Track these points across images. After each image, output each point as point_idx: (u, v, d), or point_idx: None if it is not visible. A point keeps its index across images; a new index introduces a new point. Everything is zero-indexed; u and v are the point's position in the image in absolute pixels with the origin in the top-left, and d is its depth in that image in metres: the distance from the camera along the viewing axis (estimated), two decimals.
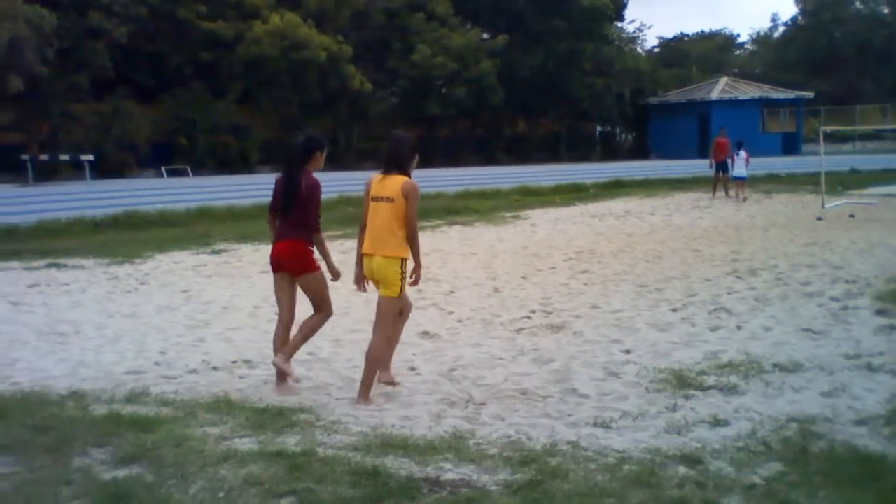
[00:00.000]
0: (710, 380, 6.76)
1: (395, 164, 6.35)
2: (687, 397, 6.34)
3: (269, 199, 7.04)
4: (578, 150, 52.50)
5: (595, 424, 5.78)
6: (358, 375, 6.68)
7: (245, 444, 5.28)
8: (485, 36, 48.91)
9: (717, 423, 5.74)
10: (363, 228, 6.51)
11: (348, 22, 42.34)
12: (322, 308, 7.00)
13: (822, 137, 23.10)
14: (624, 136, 60.10)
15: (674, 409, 6.08)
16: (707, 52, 73.66)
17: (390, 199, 6.24)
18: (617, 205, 23.19)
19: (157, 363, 7.66)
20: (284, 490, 4.50)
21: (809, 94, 53.88)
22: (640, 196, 25.17)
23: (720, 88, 52.10)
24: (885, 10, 71.95)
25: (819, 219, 18.09)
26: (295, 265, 6.82)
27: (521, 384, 6.80)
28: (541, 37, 48.29)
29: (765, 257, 13.07)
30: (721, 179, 24.07)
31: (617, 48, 55.11)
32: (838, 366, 7.04)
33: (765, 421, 5.75)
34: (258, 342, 8.28)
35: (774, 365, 7.12)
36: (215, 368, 7.43)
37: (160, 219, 20.02)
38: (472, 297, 10.78)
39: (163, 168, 35.21)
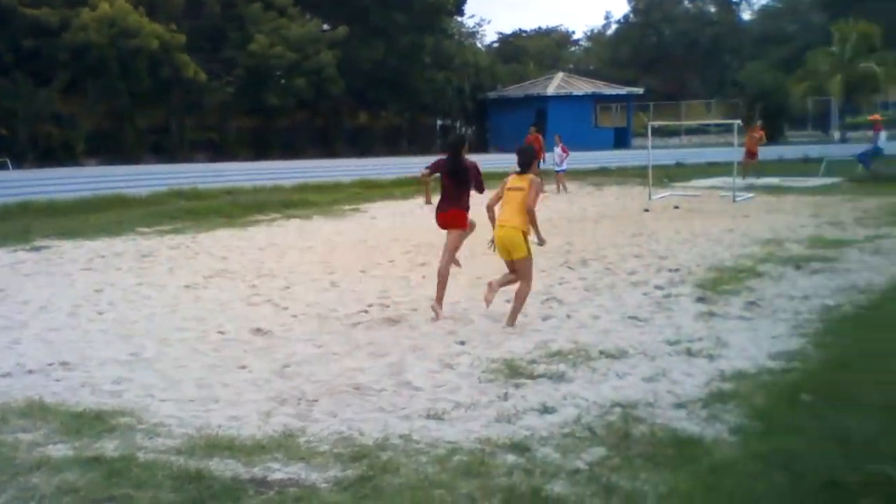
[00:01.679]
0: (540, 368, 6.90)
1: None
2: (518, 386, 6.45)
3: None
4: (419, 143, 52.82)
5: (428, 416, 5.80)
6: (186, 374, 6.80)
7: (59, 450, 5.02)
8: (325, 27, 48.47)
9: (545, 410, 5.86)
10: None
11: (182, 9, 41.07)
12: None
13: (650, 132, 24.03)
14: (464, 129, 60.88)
15: (505, 398, 6.17)
16: (544, 49, 75.62)
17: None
18: None
19: None
20: (101, 497, 4.31)
21: (639, 90, 56.06)
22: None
23: (556, 84, 53.51)
24: (713, 10, 75.63)
25: (646, 210, 18.81)
26: (454, 225, 9.33)
27: (355, 379, 6.74)
28: (382, 29, 48.27)
29: (595, 248, 13.47)
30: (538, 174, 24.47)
31: (457, 42, 55.82)
32: (660, 351, 7.32)
33: (590, 407, 5.91)
34: (77, 343, 7.93)
35: (601, 352, 7.33)
36: (30, 371, 7.01)
37: None
38: (309, 291, 10.63)
39: None
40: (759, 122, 27.61)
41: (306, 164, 36.24)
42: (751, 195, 21.02)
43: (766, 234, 14.29)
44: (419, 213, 19.73)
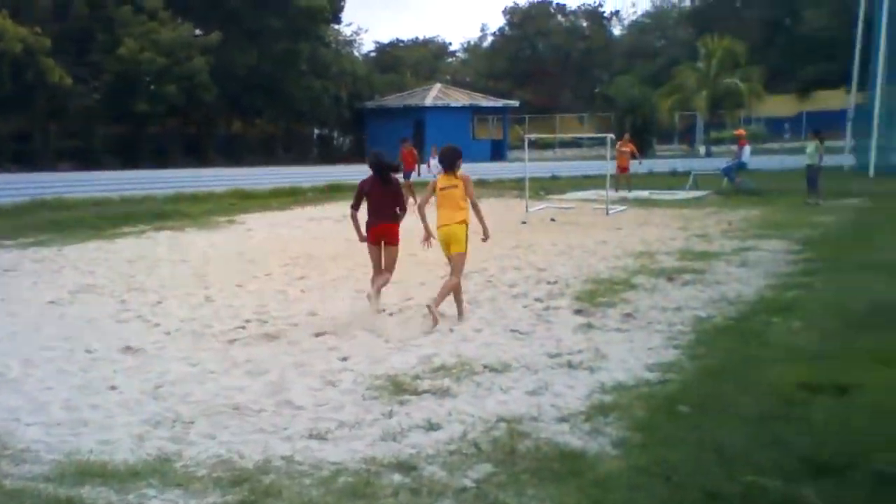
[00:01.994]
0: (425, 384, 6.85)
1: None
2: (402, 403, 6.39)
3: None
4: (295, 152, 52.33)
5: (311, 437, 5.69)
6: (53, 396, 6.54)
7: None
8: (197, 32, 47.52)
9: (430, 427, 5.82)
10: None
11: (48, 12, 39.50)
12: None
13: (526, 144, 24.38)
14: (342, 139, 60.63)
15: (389, 415, 6.10)
16: (421, 59, 76.08)
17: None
18: (335, 209, 23.17)
19: None
20: None
21: (515, 103, 57.01)
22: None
23: (434, 95, 53.89)
24: (585, 24, 77.60)
25: (523, 223, 19.05)
26: (395, 239, 9.89)
27: (233, 398, 6.55)
28: (256, 35, 47.65)
29: (476, 260, 13.45)
30: (406, 186, 23.93)
31: (334, 50, 55.55)
32: (542, 364, 7.38)
33: (476, 422, 5.90)
34: None
35: (484, 366, 7.34)
36: None
37: None
38: (182, 307, 10.30)
39: None
40: (626, 136, 28.36)
41: (178, 173, 35.36)
42: (623, 208, 21.58)
43: (638, 246, 14.65)
44: (297, 224, 19.50)
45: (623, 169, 26.22)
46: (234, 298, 10.82)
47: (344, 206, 23.12)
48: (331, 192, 27.98)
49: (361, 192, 9.82)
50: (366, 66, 61.00)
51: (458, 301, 9.50)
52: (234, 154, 48.53)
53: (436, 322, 8.92)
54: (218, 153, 48.04)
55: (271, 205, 23.90)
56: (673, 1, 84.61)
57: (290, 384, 6.95)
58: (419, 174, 24.66)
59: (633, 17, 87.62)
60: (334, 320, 9.42)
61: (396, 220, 9.84)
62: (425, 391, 6.68)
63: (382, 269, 9.91)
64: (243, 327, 9.16)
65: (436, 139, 48.77)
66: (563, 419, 5.96)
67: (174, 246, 16.12)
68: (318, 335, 8.71)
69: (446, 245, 9.48)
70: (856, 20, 34.77)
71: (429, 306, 9.07)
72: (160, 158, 43.20)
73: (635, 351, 7.79)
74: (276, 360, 7.76)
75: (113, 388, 6.90)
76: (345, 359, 7.79)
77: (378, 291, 9.68)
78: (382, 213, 9.72)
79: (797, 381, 6.23)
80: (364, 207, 9.88)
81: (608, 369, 7.19)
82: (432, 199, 9.68)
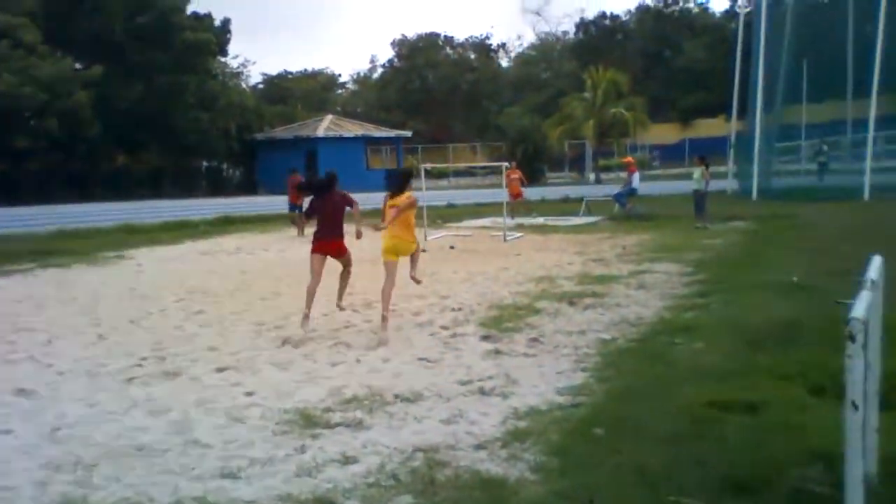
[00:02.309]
0: (337, 416, 6.72)
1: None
2: (315, 437, 6.25)
3: None
4: (184, 185, 51.30)
5: (222, 476, 5.51)
6: None
7: None
8: (78, 66, 46.24)
9: (346, 460, 5.70)
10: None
11: None
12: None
13: (423, 174, 24.43)
14: (231, 171, 59.74)
15: (302, 450, 5.95)
16: (310, 91, 75.87)
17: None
18: (228, 241, 22.76)
19: None
20: None
21: (408, 133, 57.35)
22: (253, 232, 24.96)
23: (325, 126, 53.73)
24: (473, 56, 78.71)
25: (423, 251, 18.96)
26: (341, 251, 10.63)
27: (136, 439, 6.29)
28: (140, 69, 46.72)
29: (377, 290, 13.31)
30: (298, 218, 23.15)
31: (221, 83, 54.82)
32: (454, 392, 7.33)
33: (392, 454, 5.80)
34: None
35: (396, 396, 7.25)
36: None
37: None
38: (74, 346, 9.86)
39: None
40: (513, 164, 28.73)
41: (62, 209, 34.18)
42: (520, 234, 21.79)
43: (538, 271, 14.79)
44: (190, 258, 19.02)
45: (516, 196, 26.49)
46: (128, 336, 10.43)
47: (237, 239, 22.91)
48: (223, 224, 27.46)
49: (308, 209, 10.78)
50: (254, 98, 60.39)
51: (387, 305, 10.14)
52: (121, 188, 47.24)
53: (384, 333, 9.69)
54: (104, 188, 46.68)
55: (161, 239, 23.23)
56: (557, 34, 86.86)
57: (195, 422, 6.72)
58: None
59: (520, 50, 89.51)
60: (236, 355, 9.17)
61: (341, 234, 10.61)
62: (338, 424, 6.54)
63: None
64: (140, 365, 8.82)
65: (329, 169, 48.80)
66: (480, 446, 5.91)
67: (62, 283, 15.47)
68: (219, 370, 8.48)
69: (394, 252, 10.36)
70: (730, 52, 36.26)
71: (383, 316, 9.87)
72: (42, 194, 41.68)
73: (545, 375, 7.82)
74: (178, 397, 7.49)
75: (8, 431, 6.55)
76: (250, 393, 7.58)
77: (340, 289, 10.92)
78: (329, 227, 10.48)
79: (706, 400, 6.32)
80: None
81: (520, 394, 7.19)
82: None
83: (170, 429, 6.57)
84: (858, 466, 3.47)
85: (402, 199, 10.10)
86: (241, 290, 14.02)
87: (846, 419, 3.51)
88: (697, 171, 22.55)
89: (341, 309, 11.01)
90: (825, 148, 30.87)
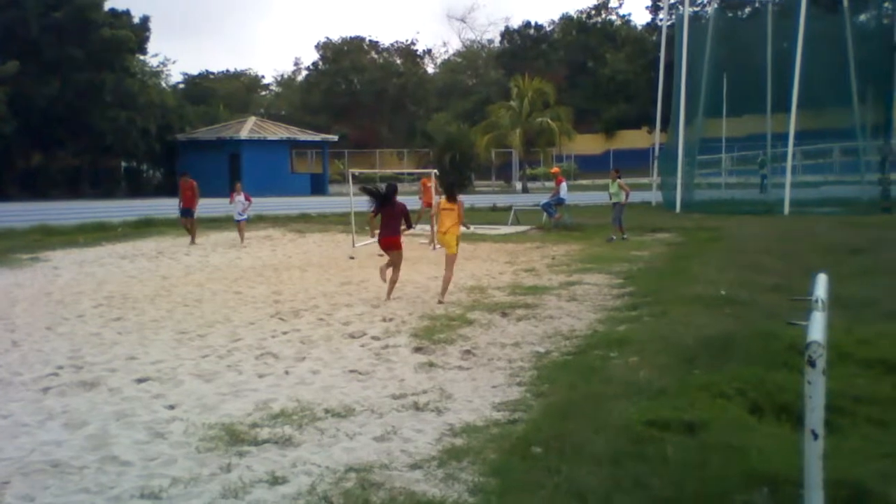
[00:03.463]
0: (264, 432, 6.45)
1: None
2: (241, 454, 5.97)
3: None
4: (103, 186, 49.96)
5: (142, 496, 5.23)
6: None
7: None
8: None
9: (275, 480, 5.47)
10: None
11: None
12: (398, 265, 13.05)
13: (350, 179, 24.08)
14: (152, 172, 58.40)
15: (228, 469, 5.69)
16: (233, 92, 74.77)
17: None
18: (149, 245, 22.12)
19: None
20: None
21: (334, 137, 56.80)
22: (174, 235, 24.29)
23: (249, 128, 52.88)
24: (399, 61, 78.52)
25: (351, 258, 18.75)
26: (395, 247, 13.02)
27: (51, 455, 5.97)
28: (57, 65, 45.37)
29: (305, 297, 13.13)
30: (191, 224, 22.57)
31: (140, 81, 53.44)
32: (387, 407, 7.11)
33: (324, 473, 5.58)
34: None
35: (326, 410, 7.01)
36: None
37: None
38: None
39: None
40: (431, 173, 28.54)
41: None
42: None
43: (469, 281, 14.64)
44: (109, 261, 18.40)
45: (428, 204, 26.12)
46: (43, 343, 9.98)
47: (157, 242, 22.27)
48: (142, 227, 26.70)
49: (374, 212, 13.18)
50: (175, 98, 59.12)
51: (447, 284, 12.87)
52: (37, 188, 45.79)
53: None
54: (19, 187, 45.15)
55: (78, 241, 22.46)
56: (482, 42, 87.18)
57: (114, 437, 6.40)
58: (194, 210, 22.65)
59: (445, 56, 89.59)
60: (157, 364, 8.82)
61: (398, 233, 13.11)
62: (265, 441, 6.27)
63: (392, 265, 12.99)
64: (56, 374, 8.44)
65: (252, 172, 48.13)
66: (415, 466, 5.71)
67: None
68: (140, 381, 8.13)
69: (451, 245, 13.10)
70: (652, 65, 36.76)
71: (440, 301, 12.39)
72: None
73: (480, 390, 7.66)
74: (96, 410, 7.15)
75: None
76: (172, 407, 7.27)
77: (389, 283, 12.96)
78: (391, 227, 13.06)
79: (644, 418, 6.20)
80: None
81: (455, 410, 7.02)
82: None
83: (87, 444, 6.25)
84: (819, 498, 3.34)
85: (455, 205, 13.21)
86: (162, 295, 13.57)
87: (805, 448, 3.39)
88: (614, 185, 22.51)
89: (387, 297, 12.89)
90: (767, 161, 31.44)
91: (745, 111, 41.26)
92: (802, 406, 4.44)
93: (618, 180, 22.44)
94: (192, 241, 21.90)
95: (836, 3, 37.68)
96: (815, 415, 3.31)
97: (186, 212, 22.43)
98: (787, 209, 29.22)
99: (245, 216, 22.61)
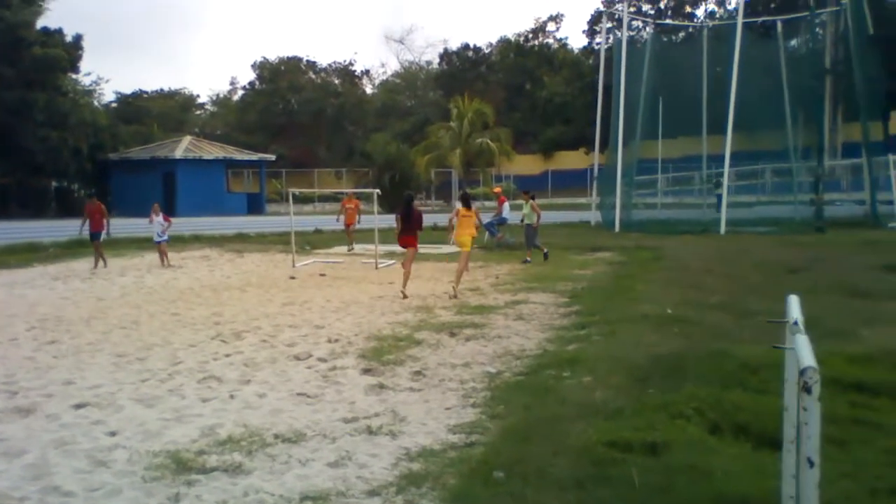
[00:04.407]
0: (212, 459, 6.20)
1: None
2: (190, 483, 5.72)
3: None
4: (32, 206, 48.65)
5: None
6: None
7: None
8: None
9: None
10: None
11: None
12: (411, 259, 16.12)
13: (291, 199, 23.73)
14: (83, 192, 57.03)
15: (177, 499, 5.45)
16: (167, 111, 73.64)
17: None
18: (82, 265, 21.49)
19: None
20: None
21: (271, 157, 56.23)
22: (108, 257, 23.61)
23: (184, 147, 52.07)
24: (337, 81, 78.18)
25: (293, 278, 18.42)
26: (414, 245, 15.95)
27: None
28: None
29: (247, 319, 12.81)
30: (100, 247, 21.50)
31: (72, 100, 52.21)
32: (339, 431, 6.91)
33: (277, 502, 5.34)
34: None
35: (276, 436, 6.78)
36: None
37: None
38: None
39: None
40: (351, 194, 28.44)
41: None
42: (391, 262, 21.40)
43: (414, 300, 14.47)
44: (40, 283, 17.84)
45: (350, 225, 25.88)
46: None
47: (90, 263, 21.56)
48: (75, 247, 25.91)
49: (398, 217, 16.18)
50: (108, 117, 57.93)
51: (460, 275, 15.70)
52: None
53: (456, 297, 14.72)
54: None
55: (8, 262, 21.72)
56: (420, 63, 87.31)
57: (55, 466, 6.10)
58: (106, 232, 21.83)
59: (384, 77, 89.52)
60: (95, 389, 8.48)
61: (415, 234, 16.02)
62: (214, 468, 6.02)
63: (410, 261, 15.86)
64: None
65: (188, 192, 47.38)
66: (373, 493, 5.52)
67: None
68: (78, 407, 7.80)
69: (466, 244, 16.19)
70: (589, 87, 37.13)
71: (454, 290, 15.04)
72: None
73: (433, 412, 7.49)
74: (34, 438, 6.82)
75: None
76: (113, 433, 6.98)
77: (404, 276, 15.48)
78: (409, 230, 15.89)
79: (605, 439, 6.10)
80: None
81: (410, 433, 6.84)
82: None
83: (26, 473, 5.95)
84: None
85: (472, 212, 16.45)
86: (98, 318, 13.13)
87: (800, 476, 3.28)
88: (526, 206, 22.30)
89: (404, 296, 14.84)
90: (722, 181, 31.84)
91: (680, 133, 41.95)
92: (781, 430, 4.41)
93: (530, 202, 22.27)
94: (100, 265, 21.01)
95: (769, 29, 38.66)
96: (812, 442, 3.20)
97: (95, 235, 21.63)
98: (723, 228, 29.61)
99: (165, 237, 21.91)
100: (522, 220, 22.48)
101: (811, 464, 3.17)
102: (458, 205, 16.75)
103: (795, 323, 4.09)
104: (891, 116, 36.81)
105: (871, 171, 33.55)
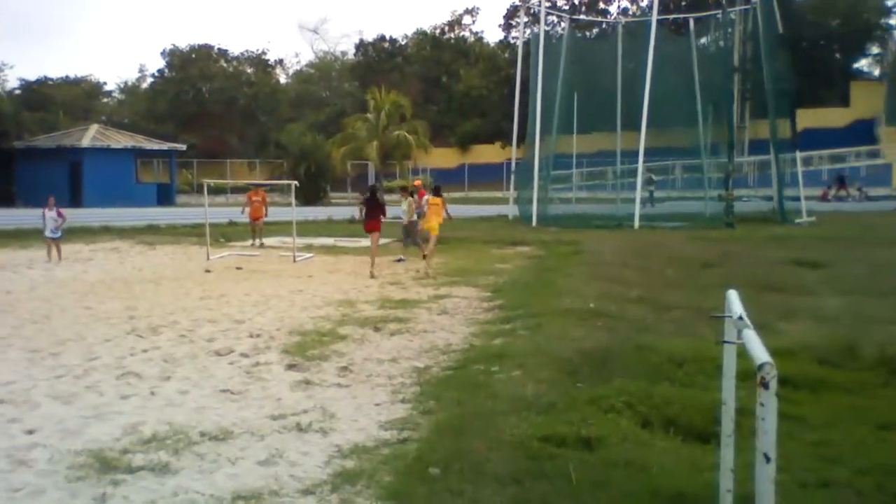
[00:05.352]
0: (138, 458, 6.01)
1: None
2: (116, 483, 5.54)
3: None
4: None
5: None
6: None
7: None
8: None
9: None
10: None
11: None
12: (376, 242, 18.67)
13: (206, 190, 23.17)
14: None
15: (103, 499, 5.29)
16: (73, 98, 71.45)
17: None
18: None
19: None
20: None
21: (182, 147, 55.00)
22: (13, 248, 22.84)
23: (91, 136, 50.56)
24: (250, 70, 76.91)
25: (208, 271, 18.03)
26: (378, 229, 18.24)
27: None
28: None
29: (163, 313, 12.48)
30: None
31: None
32: (268, 429, 6.77)
33: (209, 502, 5.19)
34: None
35: (202, 434, 6.61)
36: None
37: None
38: None
39: None
40: (257, 186, 27.89)
41: None
42: (310, 255, 21.16)
43: (336, 294, 14.33)
44: None
45: (256, 218, 25.14)
46: None
47: None
48: None
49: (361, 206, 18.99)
50: (12, 104, 55.89)
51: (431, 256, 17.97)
52: None
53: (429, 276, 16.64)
54: None
55: None
56: (335, 53, 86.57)
57: None
58: None
59: (298, 67, 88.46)
60: (8, 386, 8.16)
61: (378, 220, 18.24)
62: (140, 468, 5.83)
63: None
64: None
65: (95, 182, 46.04)
66: (307, 492, 5.42)
67: None
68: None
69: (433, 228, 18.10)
70: (505, 81, 37.28)
71: (426, 270, 17.23)
72: None
73: (363, 408, 7.41)
74: None
75: None
76: (31, 432, 6.73)
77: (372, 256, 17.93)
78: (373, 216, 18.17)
79: (539, 434, 6.10)
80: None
81: (340, 430, 6.74)
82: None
83: None
84: None
85: (440, 200, 18.65)
86: (7, 311, 12.66)
87: (757, 471, 3.30)
88: (405, 203, 22.04)
89: (372, 275, 16.83)
90: (654, 178, 32.26)
91: (594, 128, 42.48)
92: (711, 423, 4.46)
93: (409, 199, 22.04)
94: None
95: (682, 27, 39.41)
96: (768, 438, 3.22)
97: None
98: (636, 223, 30.10)
99: (59, 233, 20.56)
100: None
101: (767, 459, 3.19)
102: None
103: (741, 318, 4.12)
104: (797, 114, 37.89)
105: (778, 168, 34.51)
